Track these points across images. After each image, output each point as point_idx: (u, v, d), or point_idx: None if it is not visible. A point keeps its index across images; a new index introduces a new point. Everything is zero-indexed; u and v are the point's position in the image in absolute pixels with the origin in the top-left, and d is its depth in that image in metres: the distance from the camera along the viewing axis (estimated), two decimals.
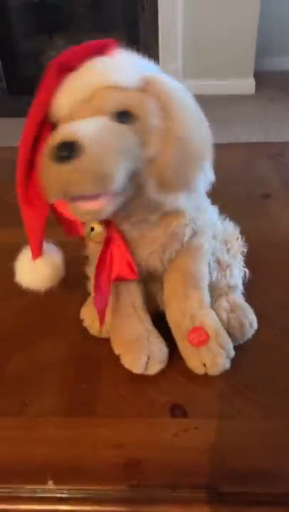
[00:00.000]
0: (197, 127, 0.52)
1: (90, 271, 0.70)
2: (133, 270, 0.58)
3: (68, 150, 0.44)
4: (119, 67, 0.50)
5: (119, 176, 0.46)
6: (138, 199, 0.51)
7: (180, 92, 0.52)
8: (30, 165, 0.53)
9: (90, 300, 0.69)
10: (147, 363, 0.59)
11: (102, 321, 0.60)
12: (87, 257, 0.70)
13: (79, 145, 0.44)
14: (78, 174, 0.44)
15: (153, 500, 0.50)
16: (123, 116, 0.48)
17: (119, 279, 0.60)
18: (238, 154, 1.14)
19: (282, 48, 3.26)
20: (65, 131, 0.46)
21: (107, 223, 0.56)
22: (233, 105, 2.65)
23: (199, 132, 0.52)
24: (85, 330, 0.66)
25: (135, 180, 0.49)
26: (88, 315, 0.67)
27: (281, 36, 3.20)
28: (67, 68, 0.51)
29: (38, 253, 0.59)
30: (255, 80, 2.96)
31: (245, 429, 0.54)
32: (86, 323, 0.67)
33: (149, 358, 0.59)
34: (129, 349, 0.61)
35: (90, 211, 0.48)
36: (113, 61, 0.51)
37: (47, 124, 0.52)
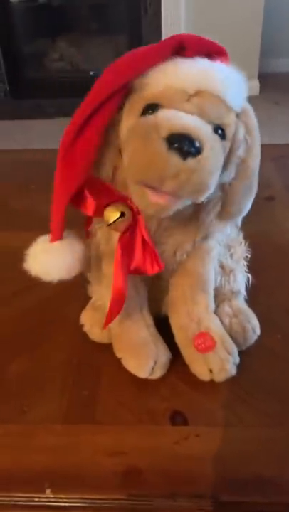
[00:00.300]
0: (258, 165, 0.54)
1: (91, 275, 0.69)
2: (159, 263, 0.55)
3: (190, 145, 0.43)
4: (234, 85, 0.50)
5: (212, 191, 0.47)
6: (183, 215, 0.52)
7: (258, 128, 0.53)
8: (85, 124, 0.49)
9: (91, 305, 0.68)
10: (153, 368, 0.59)
11: (115, 314, 0.57)
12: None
13: (199, 145, 0.43)
14: (191, 175, 0.43)
15: (153, 510, 0.49)
16: (218, 130, 0.48)
17: (139, 272, 0.57)
18: None
19: (287, 49, 3.25)
20: (186, 121, 0.45)
21: (134, 213, 0.54)
22: None
23: (258, 170, 0.54)
24: (85, 335, 0.65)
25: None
26: (88, 320, 0.66)
27: (286, 37, 3.19)
28: (179, 51, 0.49)
29: (59, 233, 0.54)
30: (260, 82, 2.95)
31: (247, 437, 0.53)
32: (86, 329, 0.66)
33: (155, 363, 0.59)
34: (135, 353, 0.60)
35: (159, 204, 0.47)
36: (230, 75, 0.50)
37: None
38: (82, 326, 0.66)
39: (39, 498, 0.49)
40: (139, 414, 0.56)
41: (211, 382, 0.58)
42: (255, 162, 0.53)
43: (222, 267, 0.65)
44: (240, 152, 0.51)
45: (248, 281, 0.69)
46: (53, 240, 0.54)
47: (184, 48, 0.49)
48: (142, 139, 0.45)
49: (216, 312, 0.63)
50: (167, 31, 2.77)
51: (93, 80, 0.50)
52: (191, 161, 0.43)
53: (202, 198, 0.46)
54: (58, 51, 3.13)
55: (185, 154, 0.43)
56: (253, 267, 0.70)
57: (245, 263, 0.68)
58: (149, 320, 0.63)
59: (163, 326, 0.63)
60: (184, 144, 0.43)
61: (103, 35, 3.07)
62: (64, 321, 0.69)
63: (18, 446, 0.53)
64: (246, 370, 0.60)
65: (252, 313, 0.65)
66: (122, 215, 0.53)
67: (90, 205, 0.54)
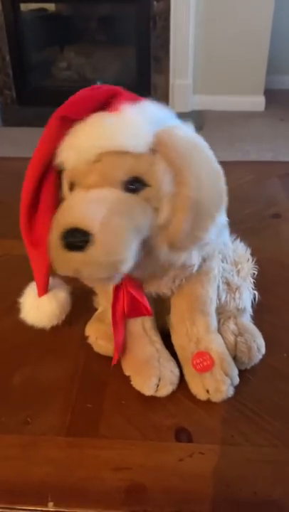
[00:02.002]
0: (211, 185, 0.49)
1: (98, 286, 0.69)
2: (148, 309, 0.58)
3: (78, 238, 0.43)
4: (129, 129, 0.47)
5: (131, 257, 0.46)
6: (149, 260, 0.51)
7: (194, 149, 0.49)
8: (34, 208, 0.54)
9: (96, 316, 0.68)
10: (158, 385, 0.58)
11: (116, 356, 0.60)
12: None
13: (89, 234, 0.43)
14: (89, 266, 0.44)
15: None
16: (134, 183, 0.47)
17: (134, 316, 0.59)
18: (248, 173, 1.14)
19: None
20: (75, 215, 0.45)
21: None
22: (242, 122, 2.66)
23: (213, 190, 0.50)
24: (89, 347, 0.65)
25: (146, 244, 0.48)
26: (93, 332, 0.66)
27: None
28: (72, 119, 0.49)
29: (43, 291, 0.60)
30: (266, 98, 2.97)
31: (251, 457, 0.53)
32: (91, 340, 0.66)
33: (160, 380, 0.58)
34: (140, 371, 0.60)
35: (101, 280, 0.48)
36: (122, 122, 0.48)
37: (51, 168, 0.52)
38: (87, 337, 0.66)
39: (42, 511, 0.49)
40: (144, 429, 0.56)
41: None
42: (193, 189, 0.47)
43: (228, 283, 0.65)
44: (166, 188, 0.47)
45: (254, 299, 0.69)
46: (40, 295, 0.61)
47: (72, 117, 0.49)
48: (50, 236, 0.47)
49: (220, 329, 0.63)
50: (175, 46, 2.80)
51: None
52: (85, 255, 0.43)
53: (124, 270, 0.46)
54: (66, 60, 3.15)
55: (75, 248, 0.43)
56: (259, 284, 0.70)
57: (252, 280, 0.68)
58: (155, 336, 0.62)
59: (170, 341, 0.63)
60: (70, 238, 0.43)
61: (111, 46, 3.09)
62: (69, 332, 0.69)
63: (21, 458, 0.53)
64: (252, 388, 0.60)
65: (258, 331, 0.64)
66: None
67: None
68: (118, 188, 0.47)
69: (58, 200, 0.53)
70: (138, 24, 2.86)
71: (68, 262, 0.45)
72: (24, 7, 2.93)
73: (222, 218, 0.53)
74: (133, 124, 0.48)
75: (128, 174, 0.47)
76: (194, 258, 0.53)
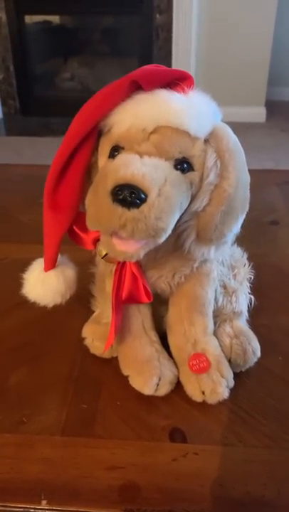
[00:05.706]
0: (243, 188, 0.52)
1: (95, 289, 0.70)
2: (148, 294, 0.57)
3: (132, 195, 0.43)
4: (196, 113, 0.49)
5: (170, 230, 0.47)
6: (167, 246, 0.51)
7: (239, 151, 0.52)
8: (65, 169, 0.52)
9: (93, 318, 0.68)
10: (158, 385, 0.59)
11: (111, 340, 0.59)
12: (92, 274, 0.70)
13: (144, 193, 0.44)
14: (136, 224, 0.44)
15: None
16: (183, 163, 0.49)
17: (132, 302, 0.59)
18: None
19: None
20: (130, 172, 0.45)
21: None
22: (243, 133, 2.66)
23: (244, 192, 0.53)
24: (86, 348, 0.66)
25: (174, 230, 0.49)
26: (90, 333, 0.66)
27: None
28: (138, 85, 0.50)
29: (51, 264, 0.57)
30: (267, 109, 2.99)
31: (245, 458, 0.53)
32: (87, 342, 0.66)
33: (160, 380, 0.59)
34: (140, 370, 0.60)
35: (125, 253, 0.48)
36: (189, 105, 0.49)
37: (93, 131, 0.51)
38: (83, 339, 0.67)
39: (35, 509, 0.49)
40: (138, 429, 0.56)
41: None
42: (232, 188, 0.50)
43: (224, 287, 0.66)
44: (212, 178, 0.50)
45: (251, 303, 0.69)
46: (46, 270, 0.58)
47: (141, 83, 0.49)
48: (93, 191, 0.47)
49: (216, 332, 0.63)
50: (177, 57, 2.83)
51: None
52: (136, 212, 0.44)
53: (160, 240, 0.46)
54: (70, 71, 3.19)
55: (128, 205, 0.44)
56: (255, 289, 0.70)
57: (249, 284, 0.69)
58: (154, 336, 0.63)
59: (167, 343, 0.63)
60: (126, 195, 0.43)
61: (114, 57, 3.13)
62: (66, 334, 0.69)
63: (15, 457, 0.53)
64: (246, 390, 0.60)
65: (253, 334, 0.65)
66: None
67: (85, 241, 0.57)
68: (169, 163, 0.48)
69: (88, 167, 0.53)
70: (141, 36, 2.90)
71: (116, 215, 0.44)
72: (29, 19, 2.97)
73: (238, 226, 0.54)
74: (200, 109, 0.50)
75: (181, 153, 0.49)
76: (211, 255, 0.55)
